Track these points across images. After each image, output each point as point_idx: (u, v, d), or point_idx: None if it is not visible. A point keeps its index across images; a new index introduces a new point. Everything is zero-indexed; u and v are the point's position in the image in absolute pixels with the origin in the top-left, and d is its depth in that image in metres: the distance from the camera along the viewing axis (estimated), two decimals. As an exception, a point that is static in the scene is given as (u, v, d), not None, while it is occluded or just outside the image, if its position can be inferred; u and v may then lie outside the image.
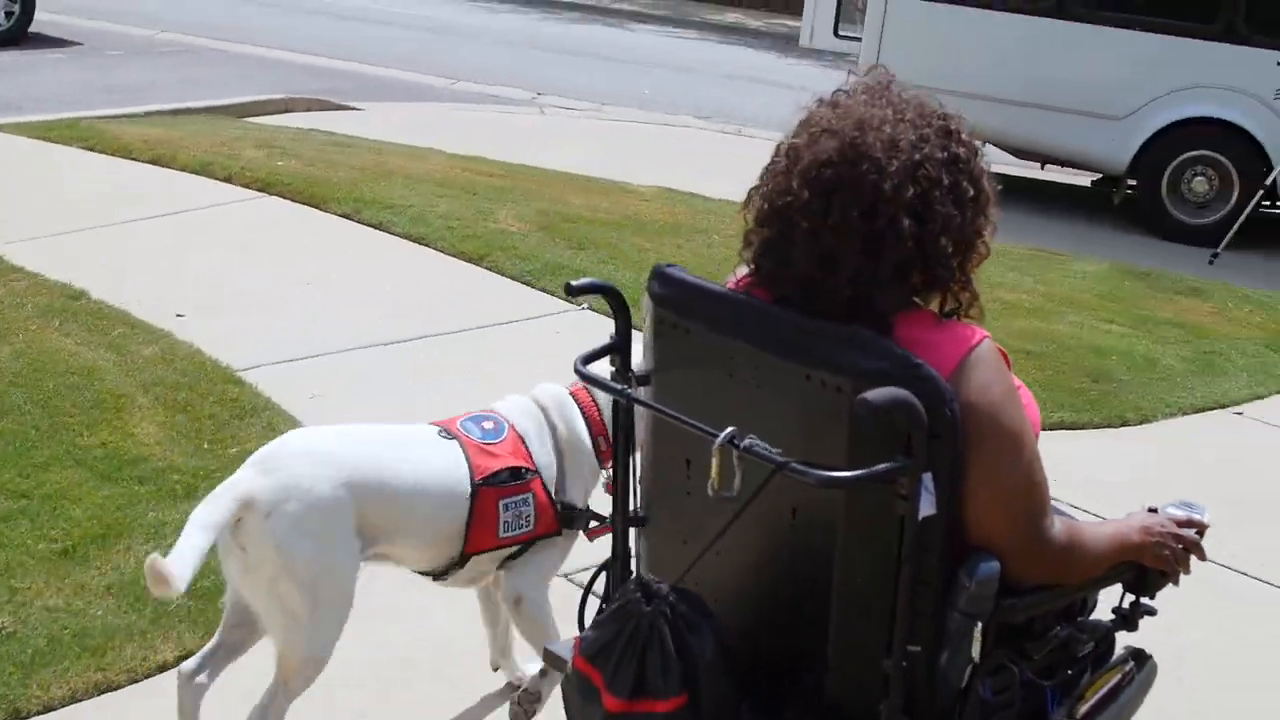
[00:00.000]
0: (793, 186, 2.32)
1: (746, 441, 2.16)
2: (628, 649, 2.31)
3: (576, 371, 2.56)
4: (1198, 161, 10.10)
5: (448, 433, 3.24)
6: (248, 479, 2.98)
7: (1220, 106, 9.89)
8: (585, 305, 6.18)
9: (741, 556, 2.47)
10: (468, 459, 3.18)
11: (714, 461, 2.19)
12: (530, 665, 3.57)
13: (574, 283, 2.70)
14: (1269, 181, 9.58)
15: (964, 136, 2.37)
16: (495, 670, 3.68)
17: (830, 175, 2.28)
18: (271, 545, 2.95)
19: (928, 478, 2.20)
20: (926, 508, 2.21)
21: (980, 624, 2.32)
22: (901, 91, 2.38)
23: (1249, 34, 9.95)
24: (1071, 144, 10.61)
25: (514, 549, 3.28)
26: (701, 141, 12.24)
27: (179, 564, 2.76)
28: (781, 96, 8.95)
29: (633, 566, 2.71)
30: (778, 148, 2.41)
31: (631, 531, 2.72)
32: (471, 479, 3.16)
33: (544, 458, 3.29)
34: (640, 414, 2.66)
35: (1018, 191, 9.47)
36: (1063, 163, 11.11)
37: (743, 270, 2.50)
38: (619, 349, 2.63)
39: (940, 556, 2.28)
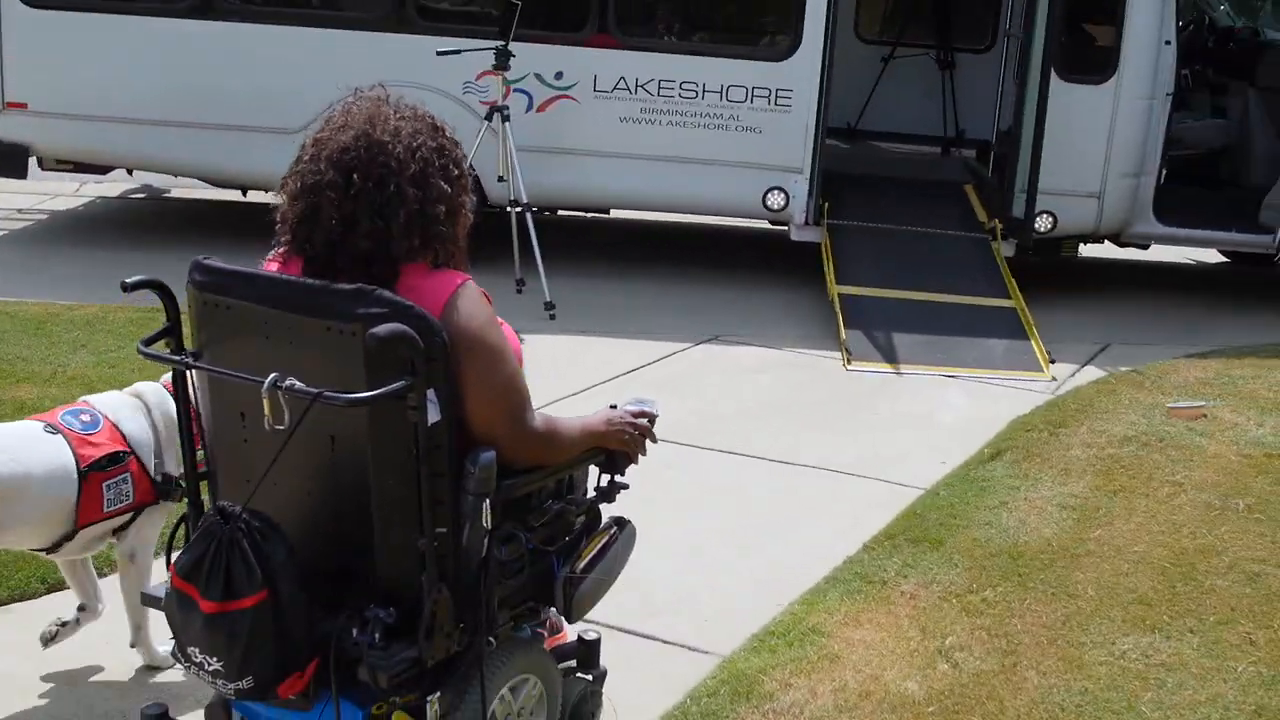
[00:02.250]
0: (320, 168, 3.01)
1: (288, 382, 2.78)
2: (215, 561, 2.85)
3: (140, 352, 3.13)
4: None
5: (53, 428, 3.78)
6: None
7: None
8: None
9: (297, 482, 3.05)
10: (73, 450, 3.75)
11: (265, 402, 2.79)
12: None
13: (128, 280, 3.19)
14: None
15: (447, 132, 3.16)
16: (133, 647, 4.17)
17: (350, 157, 3.00)
18: None
19: (431, 392, 2.87)
20: (433, 415, 2.88)
21: (487, 501, 3.02)
22: (400, 98, 3.16)
23: (420, 21, 9.43)
24: (243, 165, 9.47)
25: (123, 519, 3.91)
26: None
27: None
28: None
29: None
30: (304, 144, 3.09)
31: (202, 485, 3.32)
32: (78, 466, 3.74)
33: (140, 437, 3.89)
34: (198, 385, 3.21)
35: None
36: (249, 186, 10.13)
37: (273, 255, 3.15)
38: (171, 331, 3.18)
39: (449, 453, 2.96)
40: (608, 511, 3.58)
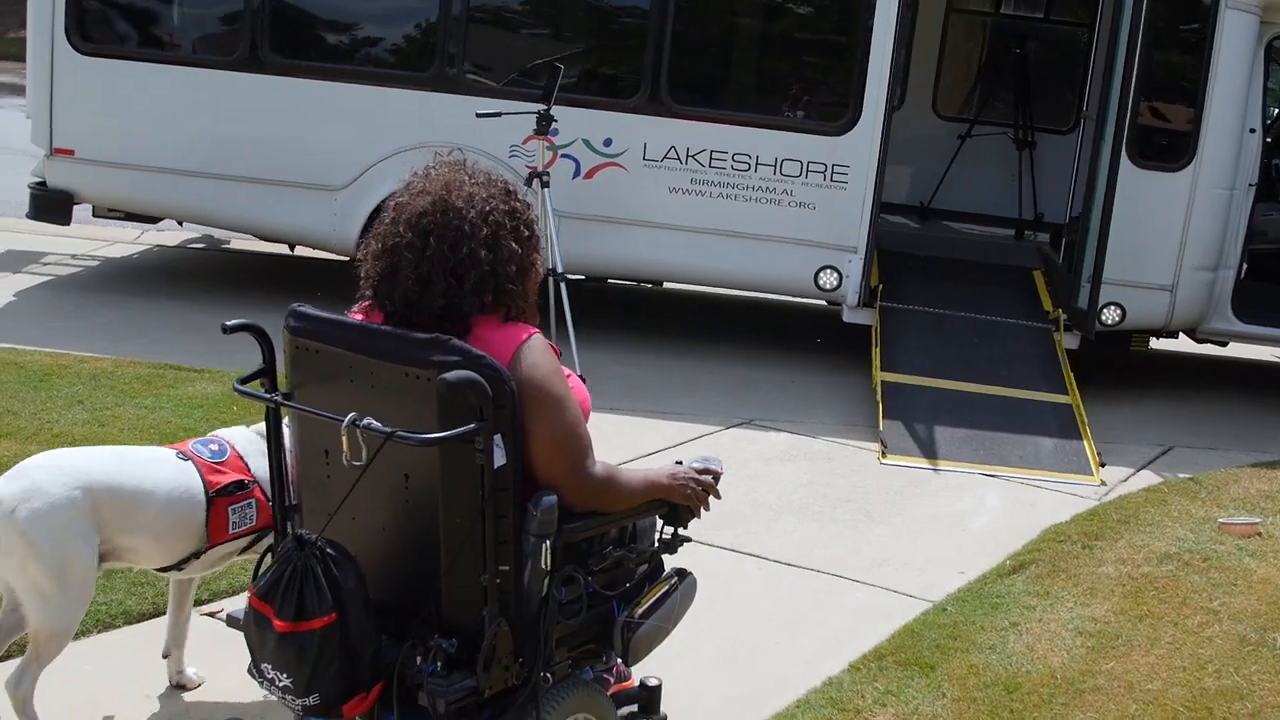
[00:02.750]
0: (399, 230, 3.28)
1: (365, 420, 3.01)
2: (289, 583, 3.07)
3: (236, 390, 3.37)
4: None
5: (184, 455, 4.10)
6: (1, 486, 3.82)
7: None
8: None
9: (372, 517, 3.30)
10: (202, 476, 4.06)
11: (344, 439, 3.04)
12: (190, 670, 4.47)
13: (228, 323, 3.48)
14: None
15: (519, 196, 3.41)
16: (165, 657, 4.45)
17: (427, 221, 3.26)
18: (18, 535, 3.78)
19: (498, 437, 3.10)
20: (499, 458, 3.09)
21: (548, 543, 3.23)
22: (475, 163, 3.43)
23: (465, 81, 9.12)
24: (286, 221, 9.32)
25: (247, 541, 4.20)
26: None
27: None
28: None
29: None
30: (387, 205, 3.38)
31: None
32: (206, 492, 4.06)
33: (261, 471, 4.05)
34: (289, 425, 3.46)
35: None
36: (290, 241, 9.93)
37: (357, 308, 3.41)
38: (267, 372, 3.44)
39: (514, 495, 3.17)
40: (670, 563, 3.80)
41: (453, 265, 3.24)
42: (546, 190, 8.36)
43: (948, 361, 8.64)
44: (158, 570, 4.20)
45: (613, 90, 9.40)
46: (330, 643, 3.09)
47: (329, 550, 3.14)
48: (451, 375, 3.02)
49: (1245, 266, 9.22)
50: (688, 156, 9.04)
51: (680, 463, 3.71)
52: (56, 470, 3.88)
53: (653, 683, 3.90)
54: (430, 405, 3.08)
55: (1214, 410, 9.35)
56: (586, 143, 9.09)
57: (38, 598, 3.85)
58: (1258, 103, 8.88)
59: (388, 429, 3.01)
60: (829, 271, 9.04)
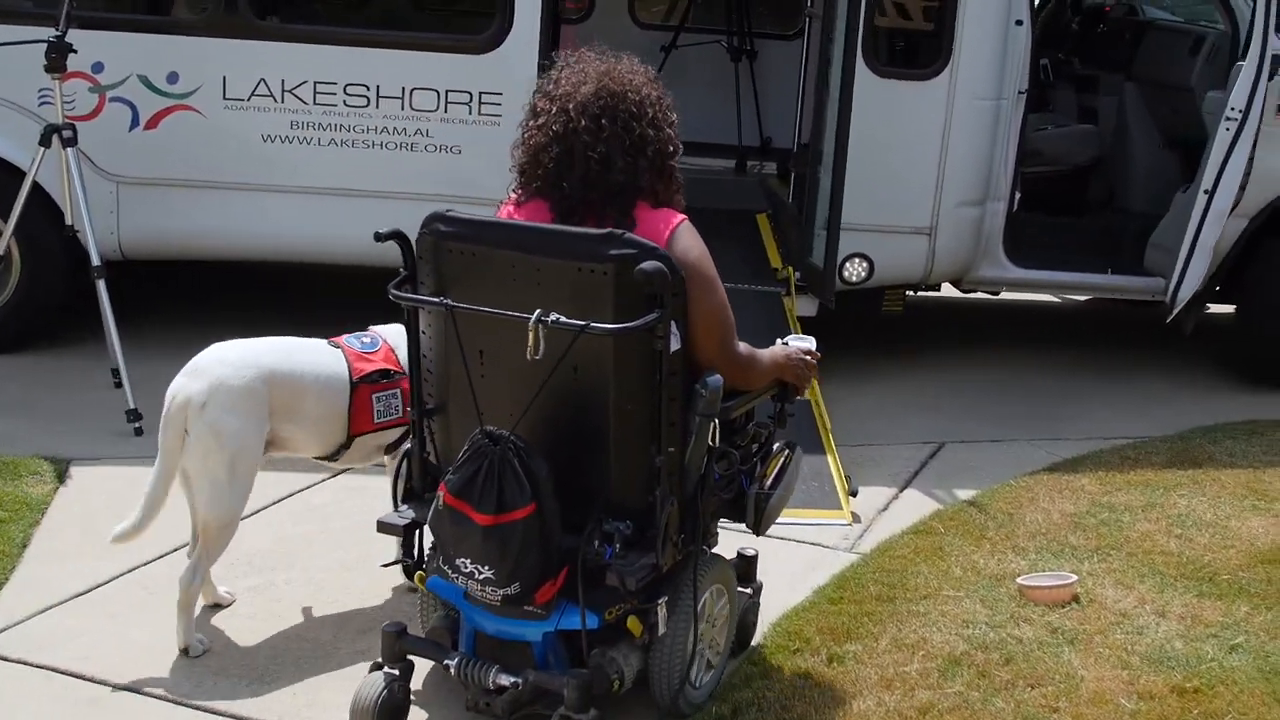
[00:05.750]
0: (570, 116, 3.45)
1: (553, 316, 3.21)
2: (488, 478, 3.24)
3: (392, 295, 3.56)
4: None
5: (335, 344, 4.19)
6: (185, 386, 3.90)
7: None
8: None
9: (543, 410, 3.36)
10: (348, 363, 4.13)
11: (531, 335, 3.19)
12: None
13: (381, 231, 3.64)
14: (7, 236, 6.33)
15: (655, 80, 3.61)
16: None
17: (600, 104, 3.46)
18: (207, 428, 3.87)
19: (673, 322, 3.30)
20: (675, 343, 3.33)
21: (715, 421, 3.49)
22: (605, 50, 3.62)
23: None
24: None
25: (396, 433, 4.22)
26: None
27: (140, 515, 3.93)
28: None
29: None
30: (533, 106, 3.57)
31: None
32: (350, 377, 4.11)
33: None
34: (427, 330, 3.63)
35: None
36: None
37: (507, 202, 3.66)
38: (410, 278, 3.60)
39: (683, 378, 3.39)
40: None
41: (628, 145, 3.43)
42: (70, 150, 5.94)
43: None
44: (316, 459, 4.25)
45: (173, 6, 6.90)
46: (531, 532, 3.23)
47: (520, 443, 3.25)
48: (648, 265, 3.18)
49: (1018, 197, 7.23)
50: (284, 92, 6.60)
51: (786, 343, 3.95)
52: (236, 364, 3.94)
53: (749, 553, 4.19)
54: (604, 297, 3.25)
55: (989, 379, 7.36)
56: (144, 80, 6.57)
57: (211, 487, 3.93)
58: (1023, -15, 6.88)
59: (579, 323, 3.18)
60: (490, 236, 6.76)
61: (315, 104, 6.60)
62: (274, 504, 5.11)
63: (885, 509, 5.48)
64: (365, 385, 4.12)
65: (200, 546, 4.02)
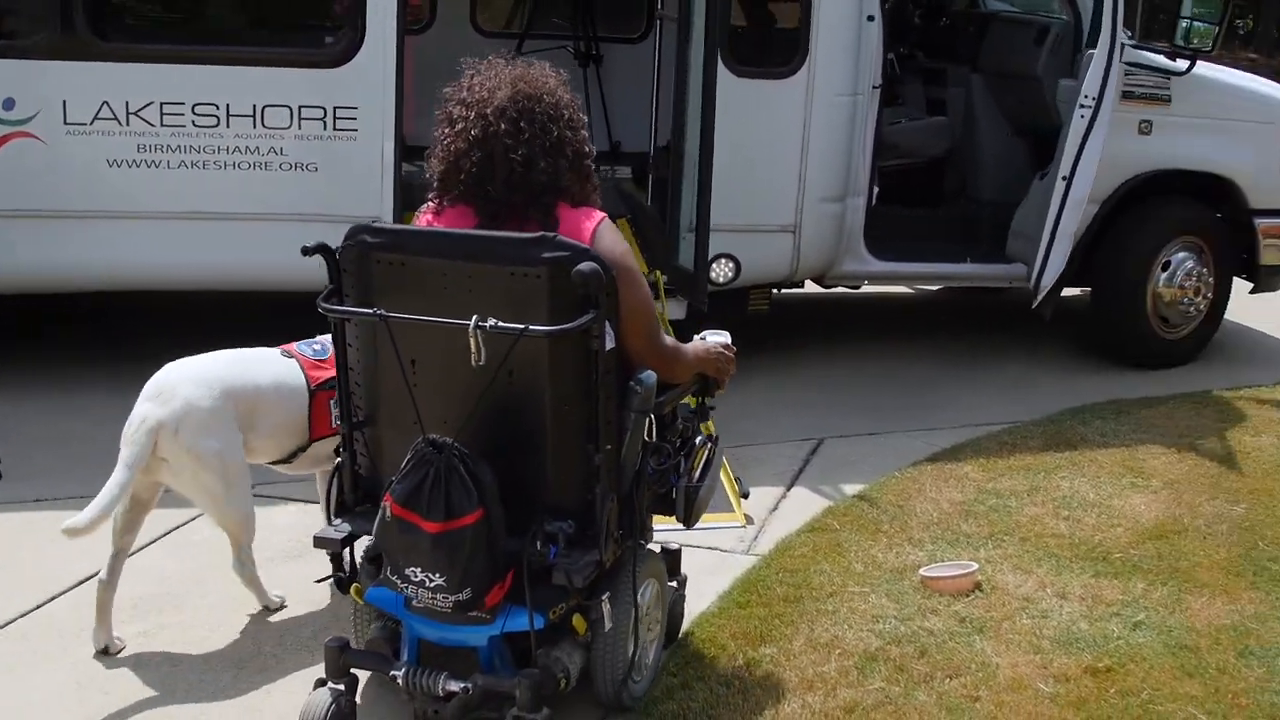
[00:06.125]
0: (489, 121, 3.47)
1: (491, 322, 3.23)
2: (434, 486, 3.23)
3: (321, 309, 3.52)
4: None
5: (288, 353, 4.28)
6: (153, 413, 3.96)
7: None
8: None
9: (480, 415, 3.37)
10: (304, 371, 4.21)
11: (472, 340, 3.22)
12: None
13: (307, 245, 3.57)
14: None
15: (566, 83, 3.66)
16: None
17: (517, 108, 3.49)
18: (184, 452, 3.97)
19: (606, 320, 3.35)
20: (610, 342, 3.37)
21: (650, 417, 3.58)
22: (521, 59, 3.66)
23: None
24: None
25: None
26: None
27: (93, 511, 3.84)
28: None
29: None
30: (448, 114, 3.57)
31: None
32: (308, 385, 4.20)
33: None
34: (352, 340, 3.61)
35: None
36: None
37: (424, 211, 3.68)
38: (336, 292, 3.54)
39: (616, 376, 3.44)
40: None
41: (548, 146, 3.48)
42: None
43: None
44: (270, 464, 4.32)
45: (6, 29, 6.61)
46: (480, 537, 3.25)
47: (463, 450, 3.26)
48: (584, 267, 3.24)
49: (876, 190, 7.27)
50: (129, 114, 6.33)
51: (704, 338, 4.04)
52: (199, 383, 4.01)
53: (673, 547, 4.24)
54: (538, 301, 3.29)
55: (855, 373, 7.40)
56: (-22, 106, 6.30)
57: (213, 502, 4.10)
58: (872, -18, 6.92)
59: (517, 326, 3.22)
60: (351, 254, 6.58)
61: (163, 125, 6.36)
62: (152, 542, 4.90)
63: (775, 509, 5.45)
64: (322, 392, 4.18)
65: (231, 544, 4.24)
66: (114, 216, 6.43)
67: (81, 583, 4.56)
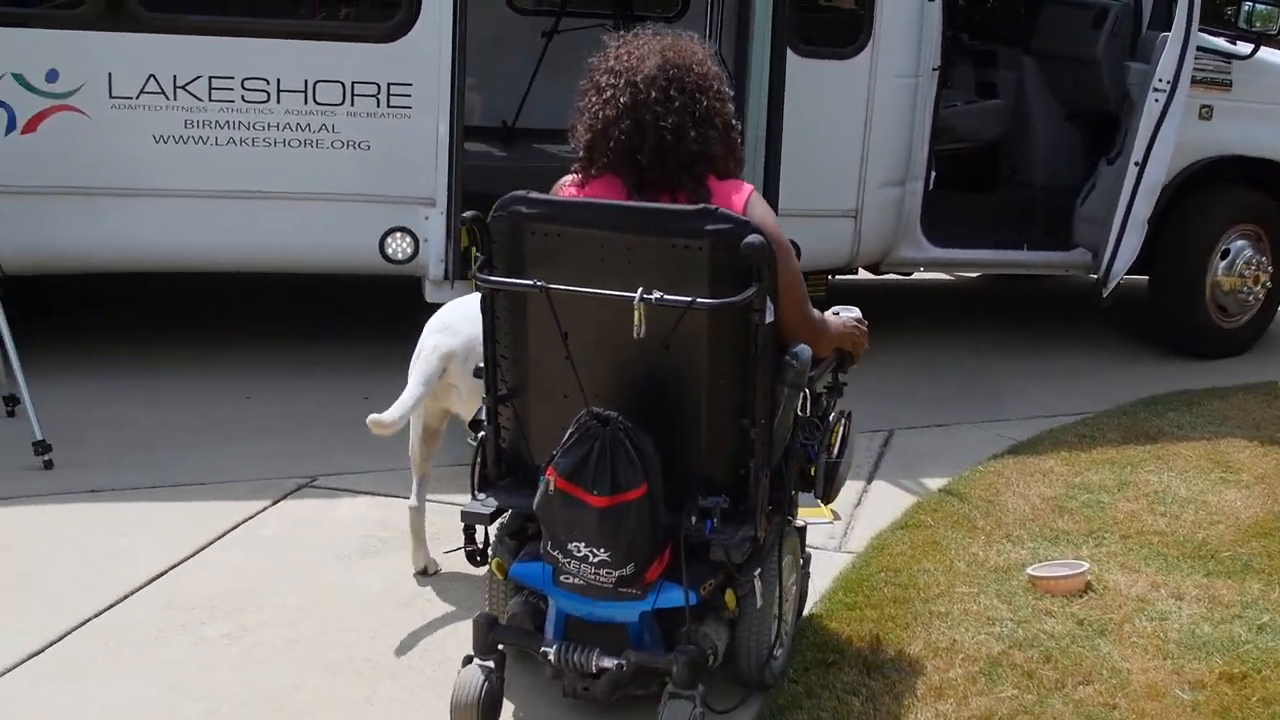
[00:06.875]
0: (639, 89, 3.38)
1: (657, 294, 3.15)
2: (600, 460, 3.17)
3: (481, 280, 3.46)
4: None
5: None
6: (444, 341, 4.21)
7: None
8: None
9: (636, 386, 3.36)
10: None
11: (636, 314, 3.14)
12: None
13: (464, 214, 3.63)
14: None
15: (713, 55, 3.59)
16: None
17: (667, 76, 3.40)
18: (472, 380, 3.96)
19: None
20: (769, 315, 3.31)
21: (805, 391, 3.57)
22: (657, 30, 3.56)
23: None
24: None
25: None
26: None
27: (398, 411, 4.04)
28: None
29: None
30: (595, 82, 3.48)
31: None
32: None
33: None
34: (500, 315, 3.53)
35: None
36: None
37: (566, 184, 3.60)
38: (490, 262, 3.48)
39: (773, 349, 3.39)
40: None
41: (698, 116, 3.39)
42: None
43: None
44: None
45: (51, -2, 6.37)
46: (644, 512, 3.20)
47: (626, 423, 3.21)
48: (754, 239, 3.15)
49: (934, 175, 7.09)
50: (176, 88, 6.11)
51: (836, 313, 3.93)
52: (475, 320, 3.76)
53: (800, 525, 4.05)
54: (698, 273, 3.22)
55: (912, 363, 7.20)
56: (19, 79, 6.00)
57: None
58: (932, -39, 6.74)
59: (685, 299, 3.16)
60: (399, 236, 6.33)
61: (211, 100, 6.13)
62: (220, 537, 4.70)
63: (859, 503, 5.27)
64: None
65: None
66: (159, 194, 6.20)
67: (157, 578, 4.36)
